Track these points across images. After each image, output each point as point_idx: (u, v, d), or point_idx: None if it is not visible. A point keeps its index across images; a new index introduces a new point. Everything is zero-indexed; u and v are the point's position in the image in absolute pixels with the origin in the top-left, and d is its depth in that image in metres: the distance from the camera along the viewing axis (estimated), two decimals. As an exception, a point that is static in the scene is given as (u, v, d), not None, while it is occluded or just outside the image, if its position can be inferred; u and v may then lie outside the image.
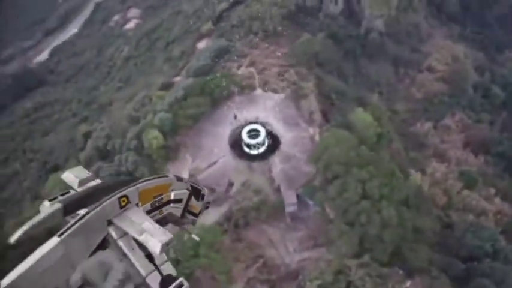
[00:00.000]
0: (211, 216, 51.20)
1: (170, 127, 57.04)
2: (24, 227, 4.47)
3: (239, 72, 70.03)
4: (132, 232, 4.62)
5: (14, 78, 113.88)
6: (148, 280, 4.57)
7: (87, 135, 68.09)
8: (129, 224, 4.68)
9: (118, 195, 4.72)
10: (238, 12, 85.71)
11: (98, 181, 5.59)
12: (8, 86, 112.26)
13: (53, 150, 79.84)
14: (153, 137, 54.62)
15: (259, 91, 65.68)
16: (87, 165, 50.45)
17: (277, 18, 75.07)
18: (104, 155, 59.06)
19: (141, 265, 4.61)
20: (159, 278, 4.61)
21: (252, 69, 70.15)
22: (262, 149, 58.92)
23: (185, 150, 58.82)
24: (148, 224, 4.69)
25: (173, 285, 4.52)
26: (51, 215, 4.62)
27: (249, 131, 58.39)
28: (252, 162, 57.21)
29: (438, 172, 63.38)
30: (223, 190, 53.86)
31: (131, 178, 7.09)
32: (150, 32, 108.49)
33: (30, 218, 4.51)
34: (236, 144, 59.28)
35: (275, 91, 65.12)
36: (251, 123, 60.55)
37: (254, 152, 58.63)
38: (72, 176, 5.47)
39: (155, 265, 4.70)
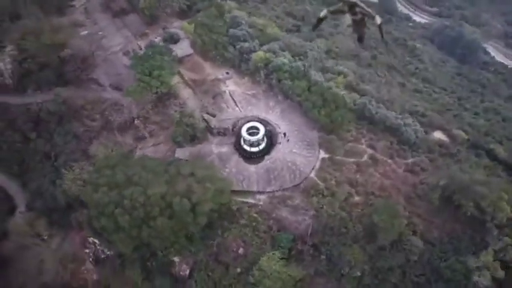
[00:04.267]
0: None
1: (276, 65, 65.21)
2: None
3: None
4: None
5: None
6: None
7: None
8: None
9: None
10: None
11: None
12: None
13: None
14: (257, 55, 65.48)
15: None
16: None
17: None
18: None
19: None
20: None
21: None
22: (262, 146, 60.12)
23: (258, 83, 67.73)
24: None
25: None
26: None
27: (249, 129, 59.38)
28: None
29: None
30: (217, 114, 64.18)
31: None
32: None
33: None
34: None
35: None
36: (251, 121, 60.73)
37: (254, 149, 60.14)
38: None
39: None
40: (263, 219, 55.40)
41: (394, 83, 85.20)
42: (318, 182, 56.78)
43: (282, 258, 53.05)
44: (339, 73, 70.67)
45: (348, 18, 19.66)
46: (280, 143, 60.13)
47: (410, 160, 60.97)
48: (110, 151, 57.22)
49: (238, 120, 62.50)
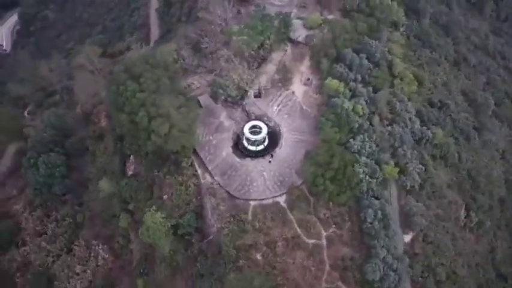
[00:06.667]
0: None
1: (334, 102, 59.25)
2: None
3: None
4: None
5: None
6: None
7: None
8: None
9: None
10: None
11: None
12: None
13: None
14: (331, 81, 60.33)
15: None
16: None
17: None
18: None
19: None
20: None
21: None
22: (253, 147, 59.42)
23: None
24: None
25: None
26: None
27: (251, 127, 58.22)
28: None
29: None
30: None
31: None
32: None
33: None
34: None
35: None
36: (253, 119, 58.90)
37: (256, 148, 59.39)
38: None
39: None
40: (193, 193, 57.12)
41: (482, 247, 63.68)
42: (249, 213, 53.40)
43: (172, 226, 55.27)
44: (402, 168, 58.38)
45: None
46: (264, 157, 57.58)
47: (344, 288, 49.47)
48: (169, 57, 66.10)
49: (265, 116, 61.74)
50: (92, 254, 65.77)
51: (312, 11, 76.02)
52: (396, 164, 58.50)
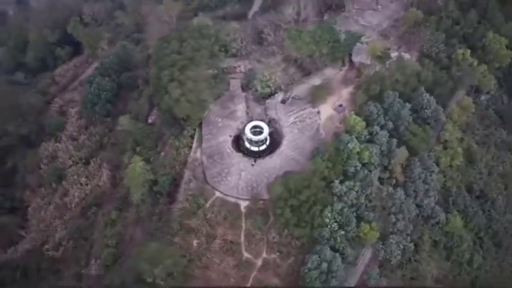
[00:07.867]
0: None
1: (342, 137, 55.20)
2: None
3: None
4: None
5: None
6: None
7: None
8: None
9: None
10: None
11: None
12: None
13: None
14: (351, 116, 55.89)
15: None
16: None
17: None
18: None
19: None
20: None
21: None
22: (259, 148, 59.12)
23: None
24: None
25: None
26: None
27: (254, 127, 57.88)
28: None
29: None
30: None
31: None
32: None
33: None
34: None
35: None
36: (262, 120, 58.51)
37: (251, 147, 59.01)
38: None
39: None
40: (179, 160, 60.01)
41: None
42: (208, 201, 54.59)
43: (152, 181, 59.12)
44: (385, 236, 52.87)
45: None
46: (250, 157, 57.35)
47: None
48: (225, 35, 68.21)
49: (276, 123, 60.79)
50: (99, 174, 74.39)
51: (391, 43, 70.17)
52: (382, 229, 53.30)
